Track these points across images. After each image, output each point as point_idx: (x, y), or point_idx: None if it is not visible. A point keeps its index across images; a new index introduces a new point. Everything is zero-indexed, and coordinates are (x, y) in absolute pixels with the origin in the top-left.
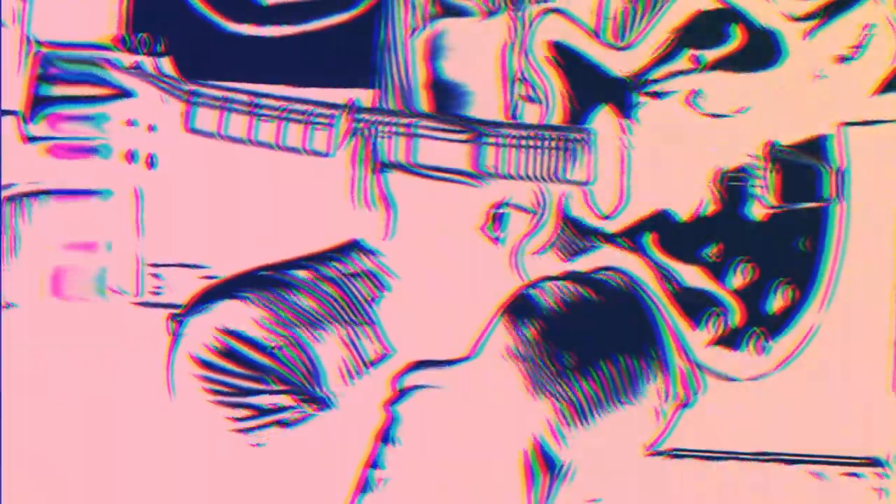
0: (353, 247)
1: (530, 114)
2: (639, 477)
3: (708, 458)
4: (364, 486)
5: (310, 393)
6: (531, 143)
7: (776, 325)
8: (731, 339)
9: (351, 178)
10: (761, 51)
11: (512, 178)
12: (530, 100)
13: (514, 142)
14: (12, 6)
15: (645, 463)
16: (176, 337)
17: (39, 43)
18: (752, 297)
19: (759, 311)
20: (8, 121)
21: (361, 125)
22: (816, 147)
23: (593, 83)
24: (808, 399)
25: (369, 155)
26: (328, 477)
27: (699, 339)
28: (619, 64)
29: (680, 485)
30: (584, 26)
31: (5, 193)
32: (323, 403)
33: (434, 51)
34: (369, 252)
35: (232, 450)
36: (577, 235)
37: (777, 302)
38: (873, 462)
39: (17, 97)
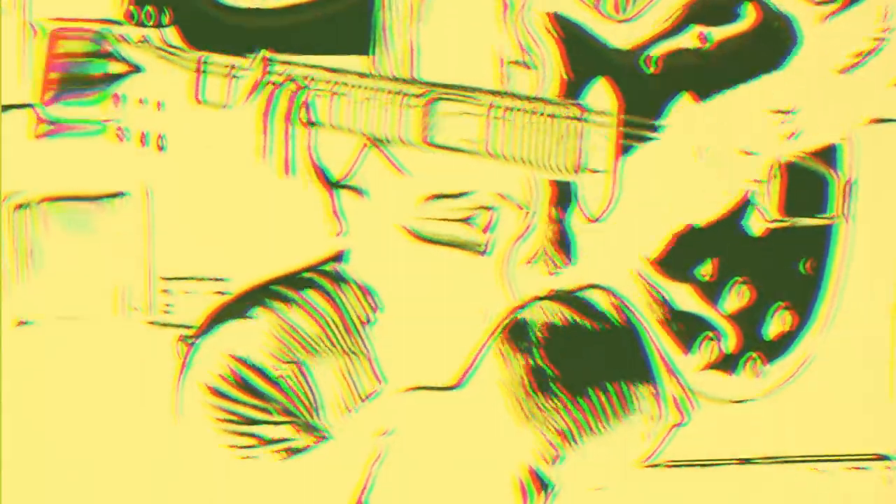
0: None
1: (524, 83)
2: (633, 488)
3: (704, 466)
4: None
5: (309, 424)
6: (523, 117)
7: (774, 350)
8: (726, 364)
9: (262, 133)
10: (774, 33)
11: (504, 158)
12: (524, 66)
13: (504, 114)
14: None
15: (639, 474)
16: (186, 361)
17: (48, 22)
18: (748, 322)
19: (756, 336)
20: (17, 116)
21: (281, 79)
22: (827, 152)
23: (591, 54)
24: (808, 417)
25: (292, 110)
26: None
27: (691, 364)
28: (619, 36)
29: (676, 494)
30: None
31: (12, 201)
32: (321, 434)
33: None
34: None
35: (233, 475)
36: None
37: (775, 327)
38: (880, 458)
39: (27, 87)
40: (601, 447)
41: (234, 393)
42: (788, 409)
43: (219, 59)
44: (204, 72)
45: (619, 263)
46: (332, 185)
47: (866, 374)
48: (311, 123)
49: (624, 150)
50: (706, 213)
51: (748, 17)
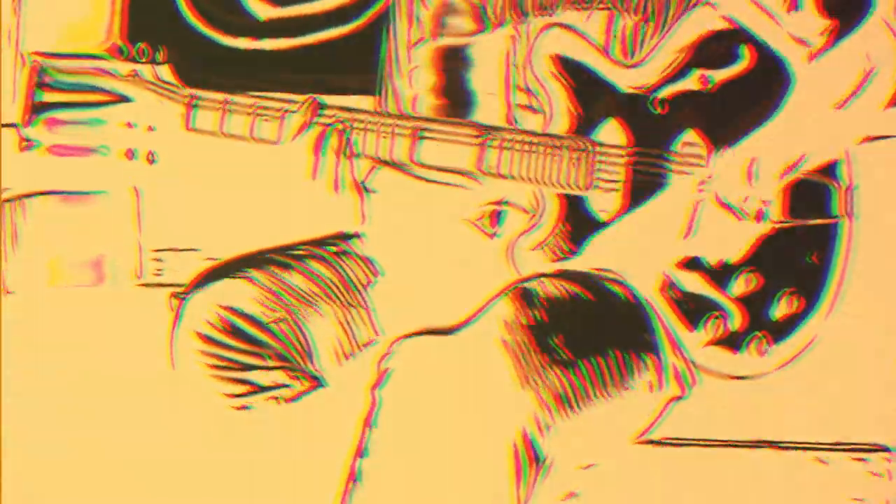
0: (344, 237)
1: (531, 124)
2: (624, 468)
3: (702, 447)
4: (354, 477)
5: (303, 370)
6: (535, 148)
7: (780, 330)
8: (731, 341)
9: (313, 164)
10: (769, 73)
11: (513, 178)
12: (531, 110)
13: (519, 146)
14: (6, 21)
15: (631, 454)
16: (178, 313)
17: (34, 56)
18: (755, 303)
19: (763, 317)
20: (6, 132)
21: (331, 120)
22: (827, 168)
23: (600, 97)
24: (812, 397)
25: (342, 146)
26: (320, 456)
27: (696, 339)
28: (627, 80)
29: (666, 475)
30: (591, 41)
31: (5, 196)
32: (315, 381)
33: (450, 60)
34: (357, 237)
35: (228, 424)
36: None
37: (782, 309)
38: (881, 448)
39: (14, 108)
40: (597, 418)
41: (225, 339)
42: (788, 392)
43: (211, 96)
44: (195, 106)
45: (630, 260)
46: (362, 189)
47: (870, 360)
48: (353, 154)
49: (635, 174)
50: (725, 252)
51: (745, 59)
